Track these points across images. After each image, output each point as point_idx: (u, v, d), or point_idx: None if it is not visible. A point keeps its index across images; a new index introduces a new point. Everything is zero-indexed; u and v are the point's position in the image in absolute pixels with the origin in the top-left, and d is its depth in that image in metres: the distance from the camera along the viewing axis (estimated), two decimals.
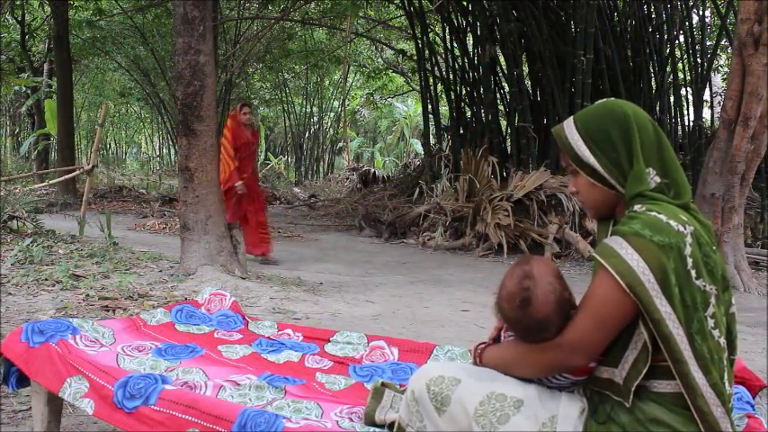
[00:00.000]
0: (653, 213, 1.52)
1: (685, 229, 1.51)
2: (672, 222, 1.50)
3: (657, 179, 1.58)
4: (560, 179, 8.83)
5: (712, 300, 1.52)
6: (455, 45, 11.71)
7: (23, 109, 18.55)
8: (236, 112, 7.34)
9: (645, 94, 10.48)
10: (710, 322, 1.52)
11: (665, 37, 10.89)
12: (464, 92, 11.72)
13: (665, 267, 1.47)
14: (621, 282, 1.49)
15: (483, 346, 1.80)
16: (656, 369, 1.54)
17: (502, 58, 11.33)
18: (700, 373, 1.49)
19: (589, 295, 1.56)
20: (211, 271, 5.52)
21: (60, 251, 6.41)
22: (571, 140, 1.62)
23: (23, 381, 2.25)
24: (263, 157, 23.49)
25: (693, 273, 1.50)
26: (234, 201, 7.14)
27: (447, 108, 13.27)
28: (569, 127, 1.64)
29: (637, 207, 1.57)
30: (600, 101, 1.68)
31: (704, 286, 1.51)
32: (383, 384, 1.99)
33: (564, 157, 1.67)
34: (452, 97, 11.81)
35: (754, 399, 1.97)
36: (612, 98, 1.64)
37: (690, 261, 1.50)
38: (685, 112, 11.34)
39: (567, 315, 1.61)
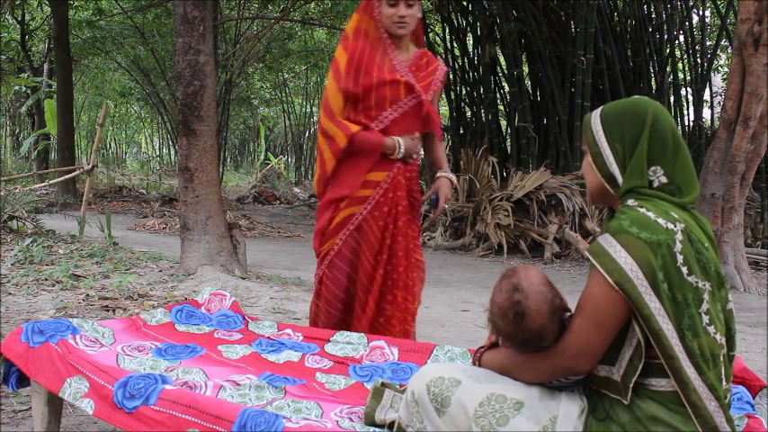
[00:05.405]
0: (642, 210, 1.55)
1: (675, 226, 1.53)
2: (660, 220, 1.52)
3: (664, 179, 1.60)
4: (560, 179, 8.83)
5: (706, 296, 1.54)
6: (455, 45, 11.70)
7: (23, 109, 18.50)
8: None
9: (645, 94, 10.47)
10: (705, 318, 1.53)
11: (665, 37, 10.89)
12: (464, 92, 11.71)
13: (653, 264, 1.49)
14: (610, 280, 1.51)
15: (482, 350, 1.80)
16: (652, 367, 1.55)
17: (502, 58, 11.33)
18: (692, 369, 1.51)
19: (584, 297, 1.57)
20: (211, 271, 5.52)
21: (60, 251, 6.40)
22: (593, 123, 1.68)
23: (23, 381, 2.24)
24: (262, 156, 23.45)
25: (684, 269, 1.51)
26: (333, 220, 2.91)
27: (447, 108, 13.26)
28: (598, 111, 1.71)
29: (629, 202, 1.59)
30: (634, 96, 1.76)
31: (696, 282, 1.53)
32: (383, 384, 1.99)
33: (582, 137, 1.74)
34: (452, 97, 11.80)
35: (754, 399, 1.97)
36: (644, 97, 1.73)
37: (680, 258, 1.51)
38: (685, 112, 11.34)
39: (562, 320, 1.61)
